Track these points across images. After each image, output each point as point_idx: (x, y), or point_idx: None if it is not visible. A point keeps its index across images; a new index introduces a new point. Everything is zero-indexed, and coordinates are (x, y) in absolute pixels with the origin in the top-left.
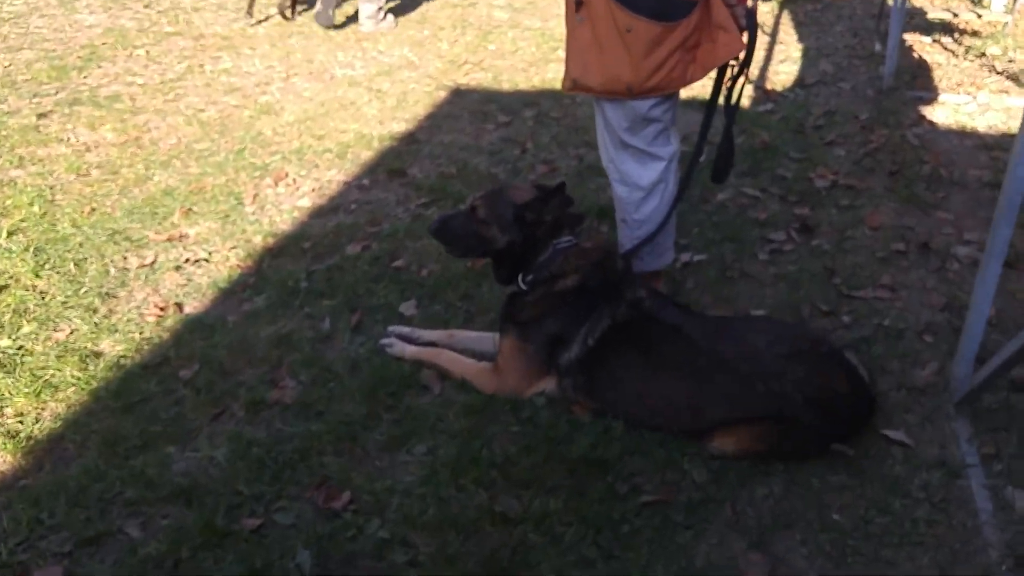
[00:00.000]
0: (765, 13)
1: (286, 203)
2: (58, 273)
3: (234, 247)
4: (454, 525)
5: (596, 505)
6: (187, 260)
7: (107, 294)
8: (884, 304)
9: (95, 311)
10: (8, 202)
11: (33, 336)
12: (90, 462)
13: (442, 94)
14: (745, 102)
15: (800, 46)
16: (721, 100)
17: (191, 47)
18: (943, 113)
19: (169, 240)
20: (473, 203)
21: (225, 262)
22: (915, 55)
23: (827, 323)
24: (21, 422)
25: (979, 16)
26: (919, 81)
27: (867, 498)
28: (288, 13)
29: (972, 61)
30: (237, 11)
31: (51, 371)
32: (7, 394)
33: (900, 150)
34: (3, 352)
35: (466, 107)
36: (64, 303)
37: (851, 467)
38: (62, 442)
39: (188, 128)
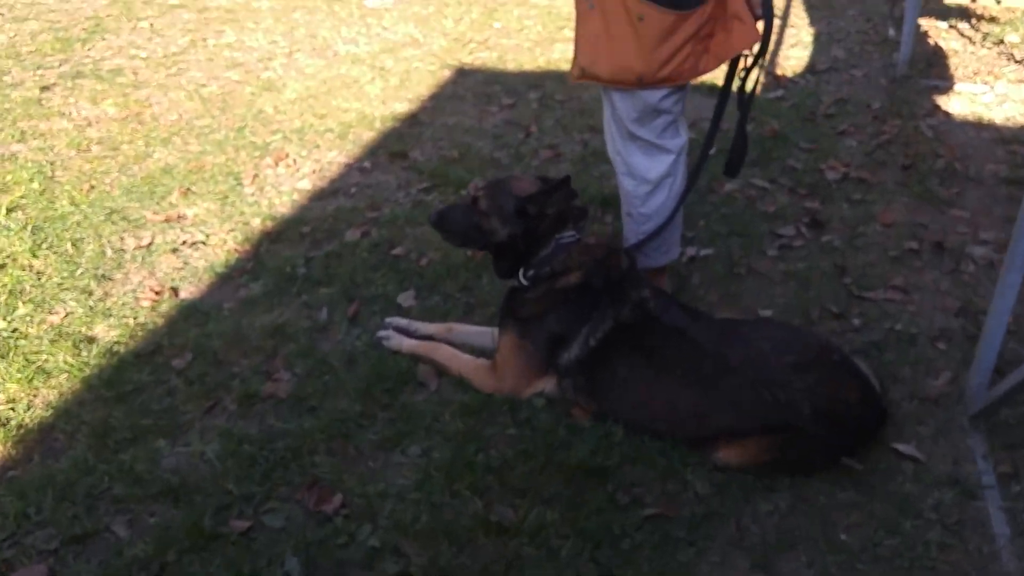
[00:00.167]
0: None
1: (286, 184)
2: (55, 253)
3: (232, 230)
4: (447, 534)
5: (595, 517)
6: (184, 242)
7: (103, 276)
8: (896, 307)
9: (90, 294)
10: (8, 177)
11: (28, 319)
12: (79, 455)
13: (446, 73)
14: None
15: (811, 30)
16: (734, 89)
17: (195, 20)
18: (959, 103)
19: (167, 221)
20: (474, 194)
21: (223, 245)
22: (930, 41)
23: (836, 326)
24: (13, 409)
25: (998, 2)
26: (934, 69)
27: (876, 517)
28: None
29: (990, 49)
30: None
31: (44, 356)
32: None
33: (914, 142)
34: None
35: (470, 88)
36: (60, 284)
37: (860, 483)
38: (52, 432)
39: (189, 104)
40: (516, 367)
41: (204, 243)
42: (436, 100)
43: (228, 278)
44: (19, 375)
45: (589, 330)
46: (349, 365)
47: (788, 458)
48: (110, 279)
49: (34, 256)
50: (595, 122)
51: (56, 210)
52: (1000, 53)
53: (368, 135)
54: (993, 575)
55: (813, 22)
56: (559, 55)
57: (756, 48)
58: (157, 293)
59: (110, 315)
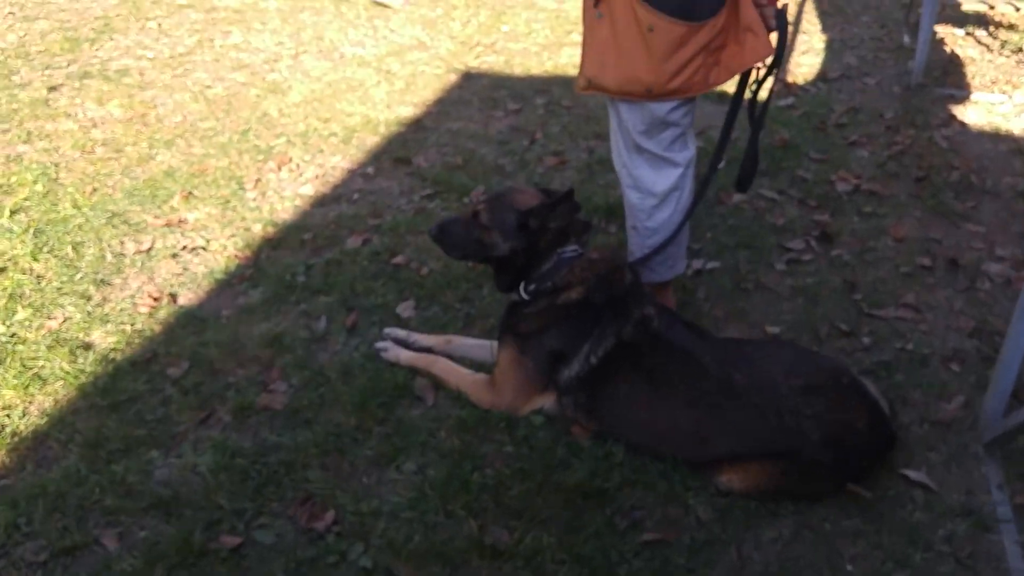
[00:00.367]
0: (788, 1)
1: (288, 189)
2: (56, 256)
3: (233, 235)
4: (440, 556)
5: (592, 541)
6: (184, 247)
7: (102, 281)
8: (907, 326)
9: (89, 299)
10: (13, 179)
11: (27, 323)
12: (72, 464)
13: (452, 78)
14: (764, 96)
15: (824, 37)
16: (746, 102)
17: (203, 20)
18: (975, 113)
19: (167, 225)
20: (475, 207)
21: (223, 251)
22: (947, 49)
23: (845, 344)
24: (8, 415)
25: (1017, 9)
26: (950, 78)
27: (884, 548)
28: None
29: (1008, 57)
30: None
31: (41, 362)
32: None
33: (928, 153)
34: None
35: (476, 92)
36: (59, 289)
37: (867, 511)
38: (46, 440)
39: (194, 106)
40: (515, 383)
41: (204, 248)
42: (441, 105)
43: (227, 285)
44: (15, 381)
45: (590, 347)
46: (346, 377)
47: (793, 484)
48: (109, 284)
49: (35, 260)
50: (602, 129)
51: (58, 212)
52: (1019, 62)
53: (372, 140)
54: None
55: (825, 28)
56: (567, 60)
57: (769, 61)
58: (155, 299)
59: (108, 321)
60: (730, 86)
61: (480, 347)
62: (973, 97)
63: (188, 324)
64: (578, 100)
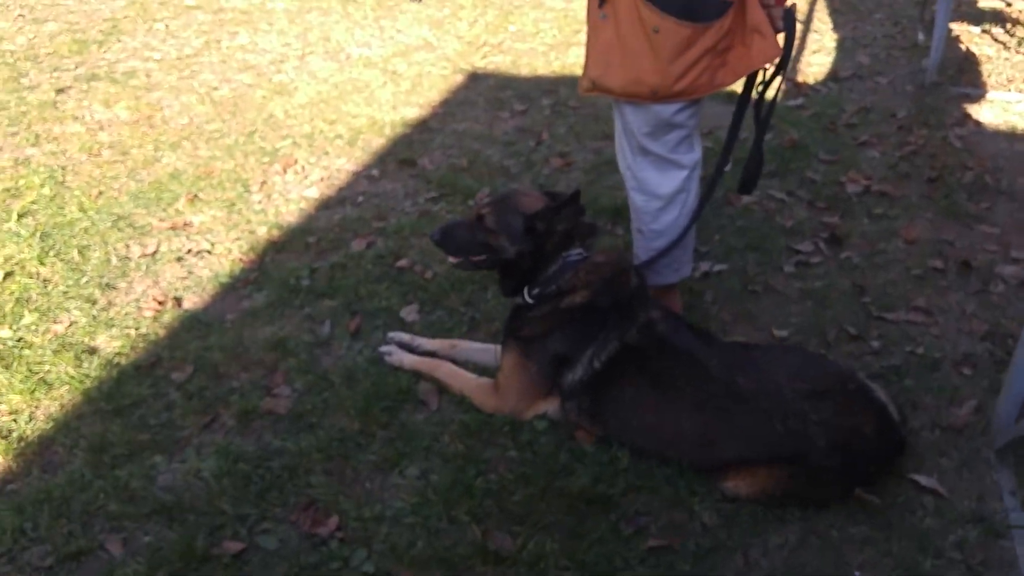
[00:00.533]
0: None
1: (294, 192)
2: (62, 260)
3: (238, 239)
4: (443, 562)
5: (596, 547)
6: (189, 251)
7: (107, 285)
8: (918, 329)
9: (94, 303)
10: (21, 182)
11: (33, 328)
12: (77, 470)
13: (458, 78)
14: (771, 97)
15: (835, 35)
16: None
17: (210, 21)
18: (991, 112)
19: (173, 228)
20: (480, 210)
21: (228, 254)
22: (962, 47)
23: (854, 348)
24: (15, 420)
25: None
26: (965, 76)
27: (892, 555)
28: None
29: None
30: None
31: (47, 367)
32: (3, 390)
33: (941, 153)
34: (3, 344)
35: (482, 93)
36: (65, 293)
37: (875, 517)
38: (52, 445)
39: (200, 107)
40: (518, 387)
41: (209, 252)
42: (447, 105)
43: (232, 288)
44: (22, 386)
45: (594, 351)
46: (349, 381)
47: (800, 489)
48: (114, 288)
49: (41, 264)
50: (608, 130)
51: (65, 216)
52: None
53: (378, 142)
54: None
55: (837, 27)
56: (574, 60)
57: (776, 62)
58: (160, 303)
59: (112, 325)
60: (739, 86)
61: (484, 351)
62: (989, 96)
63: (192, 328)
64: (585, 100)
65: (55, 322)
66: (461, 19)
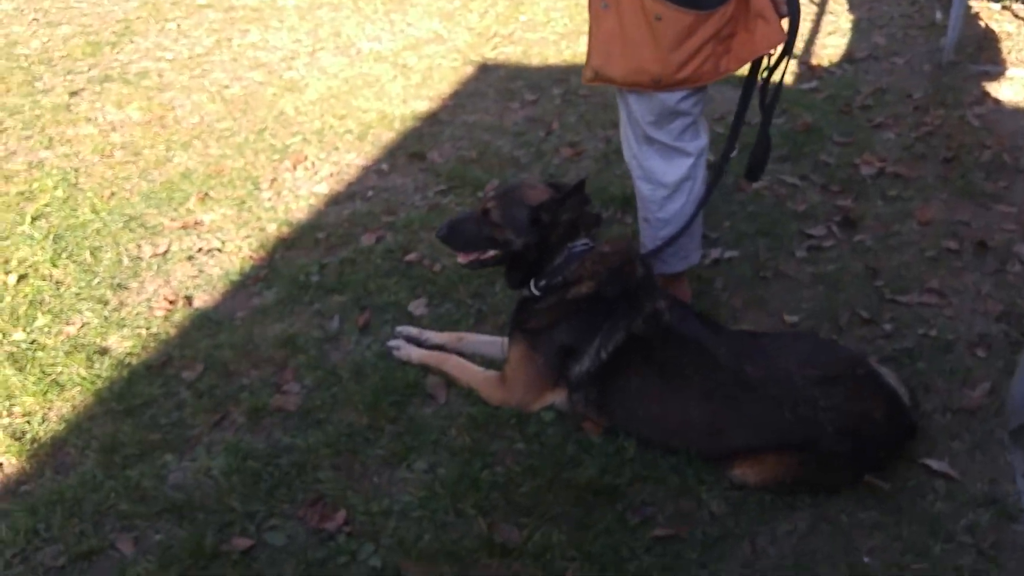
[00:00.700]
0: None
1: (303, 188)
2: (74, 262)
3: (248, 236)
4: (450, 555)
5: (603, 537)
6: (200, 250)
7: (119, 285)
8: (931, 311)
9: (106, 303)
10: (35, 185)
11: (46, 330)
12: (88, 470)
13: (469, 70)
14: (787, 79)
15: (851, 16)
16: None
17: (221, 20)
18: (1010, 90)
19: (184, 228)
20: (485, 204)
21: (238, 252)
22: (981, 24)
23: (866, 332)
24: (28, 422)
25: None
26: (985, 54)
27: (903, 540)
28: None
29: None
30: None
31: (60, 368)
32: (16, 392)
33: (958, 133)
34: (16, 346)
35: (492, 84)
36: (77, 294)
37: (885, 502)
38: (64, 446)
39: (211, 106)
40: (525, 379)
41: (220, 250)
42: (457, 98)
43: (242, 286)
44: (35, 388)
45: (601, 342)
46: (358, 376)
47: (810, 475)
48: (126, 288)
49: (54, 265)
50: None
51: (77, 218)
52: None
53: (387, 136)
54: None
55: (853, 8)
56: (585, 48)
57: (781, 48)
58: (171, 302)
59: (124, 325)
60: (746, 71)
61: (492, 344)
62: (1008, 73)
63: (203, 326)
64: (595, 89)
65: (67, 323)
66: (472, 10)
